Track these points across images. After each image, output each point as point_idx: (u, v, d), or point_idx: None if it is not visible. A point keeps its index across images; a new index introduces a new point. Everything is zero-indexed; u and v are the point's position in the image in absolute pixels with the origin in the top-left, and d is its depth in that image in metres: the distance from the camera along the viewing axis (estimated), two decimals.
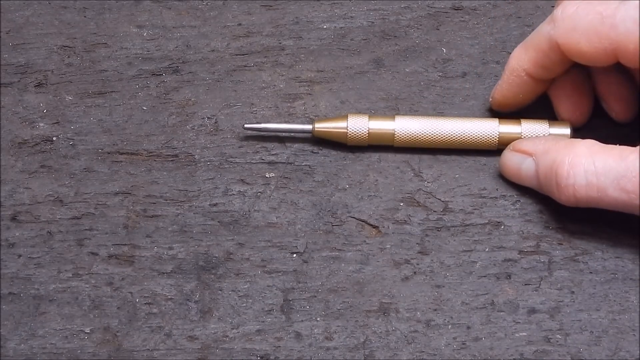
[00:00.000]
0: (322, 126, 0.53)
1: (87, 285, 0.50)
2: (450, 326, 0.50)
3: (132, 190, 0.53)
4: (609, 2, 0.48)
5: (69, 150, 0.54)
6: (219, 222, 0.52)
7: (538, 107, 0.54)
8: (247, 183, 0.53)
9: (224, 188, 0.53)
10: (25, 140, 0.54)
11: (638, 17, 0.47)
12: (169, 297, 0.50)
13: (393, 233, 0.52)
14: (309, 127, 0.54)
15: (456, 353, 0.49)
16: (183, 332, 0.49)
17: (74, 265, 0.51)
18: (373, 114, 0.55)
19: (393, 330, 0.49)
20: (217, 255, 0.51)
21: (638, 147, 0.47)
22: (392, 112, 0.55)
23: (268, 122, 0.55)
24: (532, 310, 0.50)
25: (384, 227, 0.52)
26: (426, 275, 0.51)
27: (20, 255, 0.51)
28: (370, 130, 0.53)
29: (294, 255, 0.51)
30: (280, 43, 0.57)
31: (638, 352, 0.49)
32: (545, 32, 0.50)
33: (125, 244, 0.51)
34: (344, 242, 0.52)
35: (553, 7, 0.51)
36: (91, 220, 0.52)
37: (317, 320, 0.50)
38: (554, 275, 0.51)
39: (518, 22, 0.58)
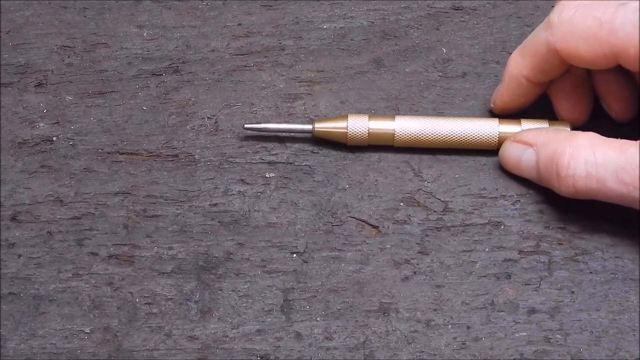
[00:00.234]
0: (322, 126, 0.53)
1: (87, 285, 0.50)
2: (450, 326, 0.50)
3: (132, 190, 0.53)
4: (606, 6, 0.48)
5: (69, 150, 0.54)
6: (219, 222, 0.52)
7: (538, 107, 0.54)
8: (247, 183, 0.53)
9: (224, 188, 0.53)
10: (25, 140, 0.54)
11: (637, 21, 0.47)
12: (169, 297, 0.50)
13: (393, 233, 0.52)
14: (309, 127, 0.54)
15: (456, 353, 0.49)
16: (183, 332, 0.49)
17: (74, 265, 0.51)
18: (373, 114, 0.55)
19: (393, 330, 0.49)
20: (217, 255, 0.51)
21: (638, 140, 0.47)
22: (392, 112, 0.55)
23: (268, 122, 0.55)
24: (532, 310, 0.50)
25: (384, 227, 0.52)
26: (426, 275, 0.51)
27: (20, 255, 0.51)
28: (370, 130, 0.53)
29: (294, 255, 0.51)
30: (280, 43, 0.57)
31: (638, 352, 0.49)
32: (542, 37, 0.50)
33: (125, 244, 0.51)
34: (344, 242, 0.52)
35: (553, 7, 0.51)
36: (91, 220, 0.52)
37: (317, 320, 0.50)
38: (554, 275, 0.51)
39: (518, 22, 0.58)
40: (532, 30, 0.52)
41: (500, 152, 0.53)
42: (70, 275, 0.50)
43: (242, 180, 0.53)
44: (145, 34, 0.58)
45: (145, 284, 0.50)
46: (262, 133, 0.54)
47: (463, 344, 0.49)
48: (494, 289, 0.50)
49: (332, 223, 0.52)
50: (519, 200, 0.53)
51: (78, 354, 0.49)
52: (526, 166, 0.52)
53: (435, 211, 0.52)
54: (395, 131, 0.53)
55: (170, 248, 0.51)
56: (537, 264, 0.51)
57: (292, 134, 0.54)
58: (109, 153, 0.54)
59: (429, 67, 0.57)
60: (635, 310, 0.50)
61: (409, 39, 0.58)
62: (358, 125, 0.53)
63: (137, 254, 0.51)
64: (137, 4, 0.59)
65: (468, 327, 0.49)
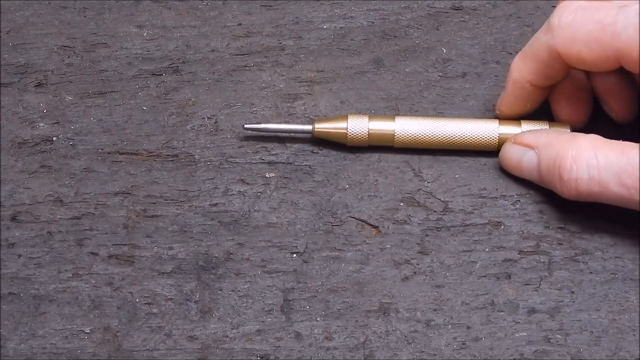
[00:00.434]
0: (322, 126, 0.53)
1: (87, 285, 0.50)
2: (450, 326, 0.50)
3: (132, 190, 0.53)
4: (607, 8, 0.48)
5: (69, 150, 0.54)
6: (219, 222, 0.52)
7: (538, 108, 0.54)
8: (247, 183, 0.53)
9: (224, 188, 0.53)
10: (25, 140, 0.54)
11: (639, 23, 0.47)
12: (169, 297, 0.50)
13: (393, 233, 0.52)
14: (309, 127, 0.53)
15: (456, 353, 0.49)
16: (183, 332, 0.49)
17: (74, 265, 0.51)
18: (373, 114, 0.55)
19: (393, 330, 0.49)
20: (217, 255, 0.51)
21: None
22: (392, 112, 0.55)
23: (268, 122, 0.55)
24: (532, 310, 0.50)
25: (384, 227, 0.52)
26: (426, 275, 0.51)
27: (20, 255, 0.51)
28: (370, 131, 0.53)
29: (294, 255, 0.51)
30: (280, 43, 0.57)
31: (638, 352, 0.49)
32: (543, 41, 0.50)
33: (125, 244, 0.51)
34: (344, 242, 0.52)
35: (554, 7, 0.51)
36: (91, 220, 0.52)
37: (317, 320, 0.50)
38: (554, 275, 0.51)
39: (518, 22, 0.58)
40: (532, 30, 0.52)
41: (501, 153, 0.53)
42: (70, 275, 0.50)
43: (242, 180, 0.53)
44: (145, 34, 0.58)
45: (145, 284, 0.50)
46: (262, 133, 0.54)
47: (463, 344, 0.49)
48: (494, 289, 0.50)
49: (332, 223, 0.52)
50: (519, 200, 0.53)
51: (78, 354, 0.49)
52: (527, 168, 0.51)
53: (435, 211, 0.52)
54: (395, 132, 0.53)
55: (170, 248, 0.51)
56: (537, 264, 0.51)
57: (292, 134, 0.54)
58: (109, 153, 0.54)
59: (429, 67, 0.57)
60: (635, 310, 0.50)
61: (409, 39, 0.58)
62: (358, 126, 0.53)
63: (137, 254, 0.51)
64: (137, 4, 0.59)
65: (468, 327, 0.49)
